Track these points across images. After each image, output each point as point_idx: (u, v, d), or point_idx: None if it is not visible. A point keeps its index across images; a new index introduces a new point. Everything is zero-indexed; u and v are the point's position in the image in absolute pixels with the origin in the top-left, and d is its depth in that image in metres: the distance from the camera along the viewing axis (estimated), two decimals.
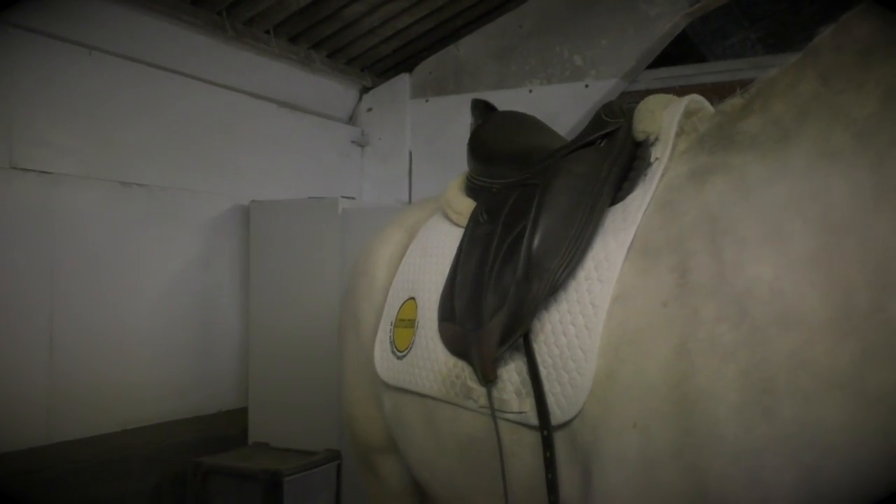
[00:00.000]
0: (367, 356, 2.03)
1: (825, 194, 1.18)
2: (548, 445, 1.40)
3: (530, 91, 4.12)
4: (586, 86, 3.99)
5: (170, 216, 3.37)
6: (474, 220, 1.77)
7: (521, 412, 1.47)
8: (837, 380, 1.11)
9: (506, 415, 1.50)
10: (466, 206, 1.87)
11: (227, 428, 3.63)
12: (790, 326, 1.15)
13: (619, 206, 1.48)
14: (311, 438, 3.51)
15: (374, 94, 4.50)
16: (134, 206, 3.22)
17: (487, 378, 1.53)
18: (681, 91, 3.96)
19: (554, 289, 1.45)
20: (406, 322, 1.84)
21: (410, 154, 4.42)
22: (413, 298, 1.84)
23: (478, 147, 1.98)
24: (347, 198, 3.65)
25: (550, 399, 1.41)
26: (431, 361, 1.70)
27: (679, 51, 4.64)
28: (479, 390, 1.56)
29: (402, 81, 4.44)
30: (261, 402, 3.68)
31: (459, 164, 4.18)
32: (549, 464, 1.40)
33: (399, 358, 1.81)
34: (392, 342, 1.86)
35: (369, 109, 4.50)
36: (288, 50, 3.86)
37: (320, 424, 3.54)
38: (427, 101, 4.38)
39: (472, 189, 1.91)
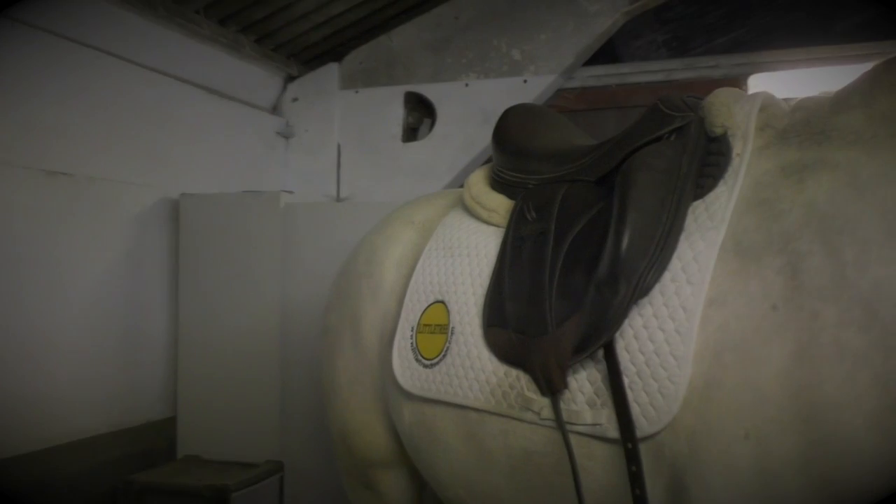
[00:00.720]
0: (369, 363, 1.88)
1: None
2: (633, 459, 1.31)
3: (466, 85, 4.02)
4: (525, 81, 3.94)
5: (95, 209, 3.06)
6: (518, 217, 1.66)
7: (595, 424, 1.38)
8: None
9: (576, 427, 1.40)
10: (499, 202, 1.76)
11: (155, 441, 3.34)
12: None
13: (700, 203, 1.41)
14: (248, 449, 3.29)
15: (301, 84, 4.28)
16: (58, 198, 2.89)
17: (556, 388, 1.43)
18: (617, 90, 3.99)
19: (643, 291, 1.35)
20: (434, 328, 1.71)
21: (339, 147, 4.24)
22: (442, 302, 1.71)
23: (505, 141, 1.86)
24: (288, 192, 3.44)
25: (636, 409, 1.32)
26: (476, 371, 1.58)
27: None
28: (541, 401, 1.46)
29: (331, 71, 4.24)
30: (191, 411, 3.41)
31: (393, 158, 4.07)
32: (636, 478, 1.31)
33: (427, 366, 1.68)
34: (416, 349, 1.72)
35: (295, 99, 4.27)
36: (217, 32, 3.60)
37: (257, 434, 3.31)
38: (357, 92, 4.20)
39: (502, 184, 1.81)
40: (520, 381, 1.51)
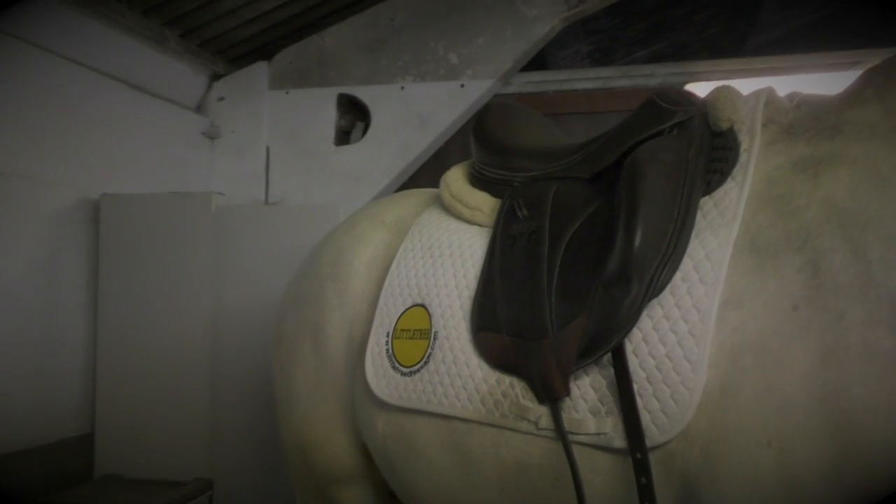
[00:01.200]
0: (333, 372, 1.76)
1: None
2: (643, 470, 1.23)
3: (402, 88, 3.92)
4: (462, 85, 3.87)
5: (7, 209, 2.81)
6: (508, 215, 1.58)
7: (599, 433, 1.30)
8: None
9: (578, 437, 1.31)
10: (483, 200, 1.68)
11: (70, 459, 3.09)
12: None
13: (709, 199, 1.36)
14: (175, 467, 3.07)
15: (227, 83, 4.09)
16: None
17: (557, 395, 1.34)
18: (554, 96, 3.97)
19: (657, 291, 1.28)
20: (413, 333, 1.60)
21: (268, 149, 4.06)
22: (422, 306, 1.61)
23: (486, 138, 1.78)
24: (219, 193, 3.25)
25: (645, 417, 1.24)
26: (464, 378, 1.48)
27: None
28: (539, 410, 1.37)
29: (260, 70, 4.07)
30: (110, 426, 3.17)
31: (324, 161, 3.92)
32: (646, 490, 1.23)
33: (406, 374, 1.58)
34: (392, 356, 1.61)
35: (221, 99, 4.08)
36: (141, 24, 3.39)
37: (185, 450, 3.10)
38: (288, 92, 4.04)
39: (484, 182, 1.72)
40: (514, 388, 1.42)
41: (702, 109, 1.45)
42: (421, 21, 3.92)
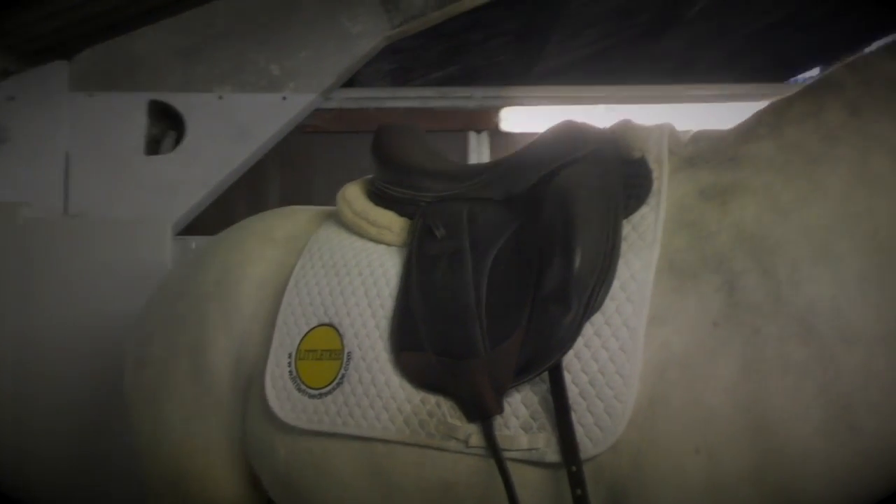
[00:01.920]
0: (217, 398, 1.69)
1: (869, 215, 1.28)
2: (578, 482, 1.29)
3: (220, 97, 3.77)
4: (284, 98, 3.80)
5: None
6: (423, 235, 1.60)
7: (531, 449, 1.35)
8: None
9: (510, 453, 1.35)
10: (390, 219, 1.69)
11: None
12: (853, 342, 1.22)
13: (626, 223, 1.46)
14: None
15: (19, 81, 3.70)
16: None
17: (490, 413, 1.37)
18: (376, 113, 4.00)
19: (594, 309, 1.35)
20: (321, 353, 1.58)
21: (67, 156, 3.72)
22: (330, 325, 1.59)
23: (387, 156, 1.80)
24: (26, 203, 2.95)
25: (579, 431, 1.30)
26: (384, 399, 1.48)
27: None
28: (468, 428, 1.39)
29: (59, 70, 3.73)
30: None
31: (133, 171, 3.69)
32: (581, 501, 1.29)
33: (315, 396, 1.55)
34: (297, 377, 1.57)
35: (11, 98, 3.69)
36: None
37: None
38: (91, 95, 3.74)
39: (388, 200, 1.72)
40: (440, 407, 1.43)
41: (609, 139, 1.56)
42: (241, 30, 3.80)
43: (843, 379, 1.20)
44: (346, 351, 1.55)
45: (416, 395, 1.45)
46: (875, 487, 1.20)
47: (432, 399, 1.44)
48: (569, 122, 1.63)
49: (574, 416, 1.31)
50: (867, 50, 1.47)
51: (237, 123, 3.76)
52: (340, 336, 1.56)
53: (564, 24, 5.98)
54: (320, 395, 1.54)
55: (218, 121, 3.76)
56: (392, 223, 1.69)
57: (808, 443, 1.19)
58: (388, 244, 1.68)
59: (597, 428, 1.30)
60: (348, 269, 1.65)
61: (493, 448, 1.35)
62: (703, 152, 1.52)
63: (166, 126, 3.86)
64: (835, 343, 1.22)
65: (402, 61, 5.90)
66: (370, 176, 1.93)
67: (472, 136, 3.94)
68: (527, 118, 3.97)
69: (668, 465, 1.25)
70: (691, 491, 1.24)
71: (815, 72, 10.57)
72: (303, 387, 1.56)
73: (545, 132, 1.66)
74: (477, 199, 1.63)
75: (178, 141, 3.80)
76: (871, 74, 1.38)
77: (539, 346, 1.35)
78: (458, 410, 1.41)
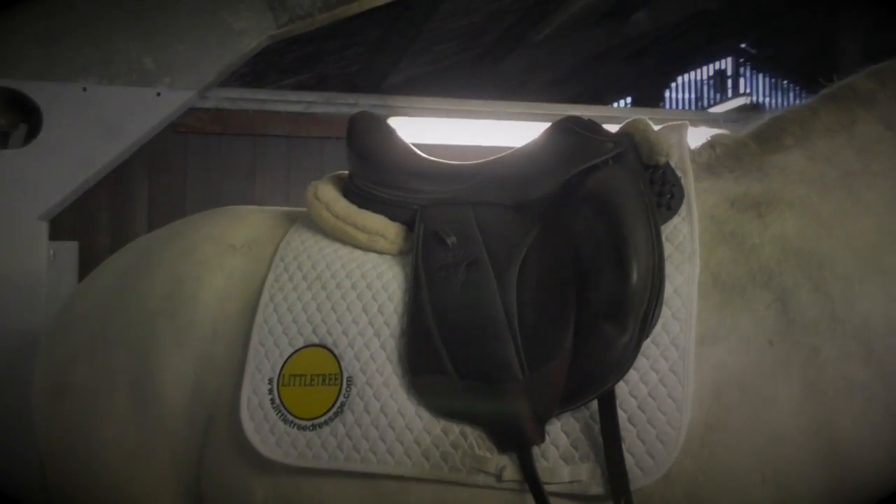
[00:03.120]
0: (169, 430, 1.46)
1: None
2: None
3: (84, 89, 3.40)
4: (158, 94, 3.49)
5: None
6: (430, 243, 1.44)
7: (574, 482, 1.24)
8: None
9: (550, 486, 1.24)
10: (383, 224, 1.52)
11: None
12: None
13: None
14: None
15: None
16: None
17: (527, 443, 1.24)
18: (255, 116, 3.78)
19: (650, 330, 1.25)
20: (312, 379, 1.39)
21: None
22: (322, 346, 1.40)
23: (369, 152, 1.62)
24: None
25: (629, 460, 1.21)
26: (398, 429, 1.32)
27: None
28: (500, 460, 1.27)
29: None
30: None
31: None
32: None
33: (307, 428, 1.37)
34: (282, 406, 1.38)
35: None
36: None
37: None
38: None
39: (375, 203, 1.55)
40: (466, 437, 1.29)
41: (627, 142, 1.47)
42: (109, 16, 3.45)
43: None
44: (345, 375, 1.37)
45: (437, 425, 1.30)
46: None
47: (456, 428, 1.29)
48: (573, 121, 1.52)
49: (625, 445, 1.21)
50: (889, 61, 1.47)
51: (103, 118, 3.41)
52: (337, 358, 1.38)
53: (422, 38, 5.98)
54: (313, 427, 1.35)
55: (81, 114, 3.39)
56: (386, 229, 1.51)
57: (882, 467, 1.16)
58: (381, 252, 1.50)
59: (648, 456, 1.20)
60: (338, 282, 1.46)
61: (532, 481, 1.23)
62: (724, 160, 1.47)
63: (16, 117, 3.43)
64: (894, 361, 1.20)
65: (255, 65, 5.62)
66: (340, 173, 1.73)
67: None
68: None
69: (731, 495, 1.19)
70: None
71: (627, 100, 11.33)
72: (290, 417, 1.37)
73: (547, 132, 1.55)
74: (482, 204, 1.49)
75: (31, 134, 3.38)
76: None
77: (591, 370, 1.24)
78: (488, 441, 1.28)
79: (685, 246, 1.33)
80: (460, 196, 1.52)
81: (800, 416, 1.18)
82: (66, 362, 1.55)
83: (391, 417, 1.32)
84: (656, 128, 1.50)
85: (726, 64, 16.09)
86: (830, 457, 1.16)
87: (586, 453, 1.24)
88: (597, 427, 1.24)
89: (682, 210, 1.38)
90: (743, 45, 15.04)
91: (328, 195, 1.59)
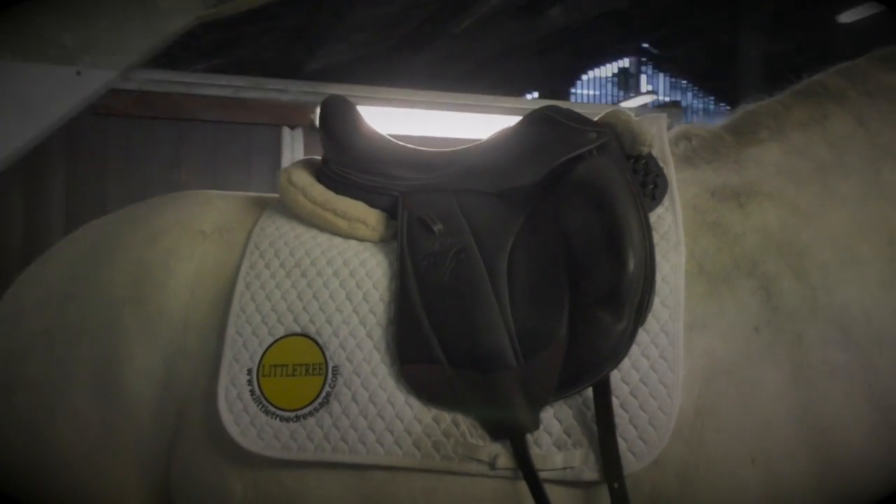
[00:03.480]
0: (135, 424, 1.41)
1: (884, 224, 1.32)
2: (621, 500, 1.21)
3: None
4: (78, 72, 3.28)
5: None
6: (415, 230, 1.42)
7: (566, 468, 1.25)
8: None
9: (543, 473, 1.24)
10: (363, 211, 1.48)
11: None
12: (883, 346, 1.24)
13: None
14: None
15: None
16: None
17: (522, 430, 1.24)
18: (182, 99, 3.62)
19: (644, 317, 1.27)
20: (294, 368, 1.35)
21: None
22: (304, 335, 1.37)
23: (343, 136, 1.58)
24: None
25: (622, 445, 1.23)
26: (387, 418, 1.30)
27: None
28: (492, 448, 1.26)
29: None
30: None
31: None
32: None
33: (290, 419, 1.33)
34: (262, 397, 1.34)
35: None
36: None
37: None
38: None
39: (353, 188, 1.52)
40: (458, 426, 1.28)
41: (609, 132, 1.46)
42: None
43: (882, 382, 1.22)
44: (330, 365, 1.33)
45: (427, 414, 1.29)
46: None
47: (447, 417, 1.28)
48: (553, 109, 1.51)
49: (618, 431, 1.23)
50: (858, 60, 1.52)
51: (17, 97, 3.19)
52: (321, 348, 1.35)
53: (341, 26, 5.89)
54: (297, 418, 1.32)
55: None
56: (367, 216, 1.48)
57: (864, 448, 1.20)
58: (362, 240, 1.47)
59: (641, 441, 1.22)
60: (319, 270, 1.42)
61: (527, 468, 1.23)
62: (701, 152, 1.48)
63: None
64: (870, 347, 1.24)
65: (169, 49, 5.39)
66: (311, 158, 1.70)
67: (286, 131, 3.74)
68: None
69: (723, 478, 1.21)
70: (749, 502, 1.21)
71: (533, 95, 11.49)
72: (271, 408, 1.32)
73: (527, 121, 1.53)
74: (464, 192, 1.47)
75: None
76: (873, 87, 1.44)
77: (587, 358, 1.25)
78: (481, 429, 1.27)
79: (670, 235, 1.34)
80: (441, 183, 1.50)
81: (786, 401, 1.21)
82: (17, 355, 1.45)
83: (380, 407, 1.30)
84: (641, 118, 1.52)
85: (629, 62, 16.67)
86: (816, 439, 1.19)
87: (579, 439, 1.25)
88: (589, 413, 1.25)
89: (666, 200, 1.40)
90: (645, 45, 15.59)
91: (303, 180, 1.54)
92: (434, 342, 1.32)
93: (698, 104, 15.61)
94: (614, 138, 1.46)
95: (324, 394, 1.32)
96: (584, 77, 13.95)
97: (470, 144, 1.61)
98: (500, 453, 1.25)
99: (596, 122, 1.50)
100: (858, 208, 1.34)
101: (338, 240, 1.47)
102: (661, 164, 1.44)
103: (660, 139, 1.47)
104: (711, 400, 1.23)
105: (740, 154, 1.46)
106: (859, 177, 1.37)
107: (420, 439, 1.28)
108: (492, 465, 1.25)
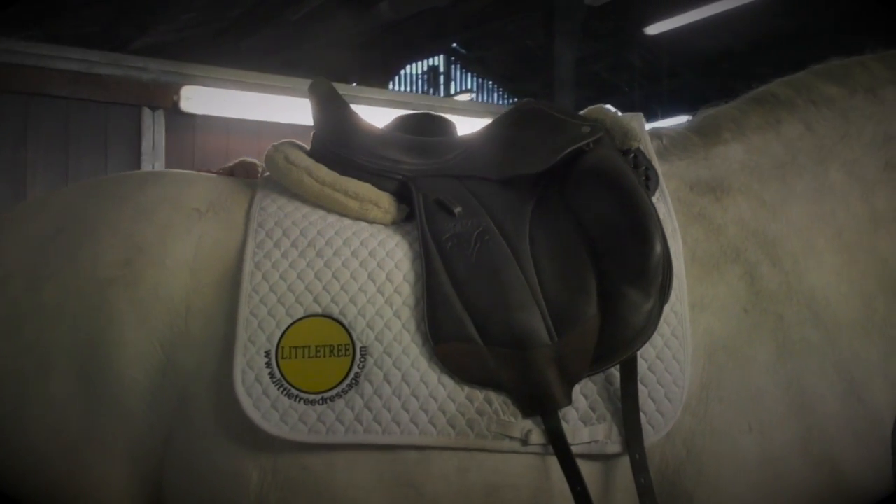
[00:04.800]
0: (125, 414, 1.31)
1: (833, 218, 1.48)
2: (641, 470, 1.25)
3: None
4: None
5: None
6: (434, 212, 1.42)
7: (592, 442, 1.29)
8: (876, 370, 1.40)
9: (573, 448, 1.28)
10: (376, 193, 1.45)
11: None
12: (841, 328, 1.40)
13: None
14: None
15: None
16: None
17: (555, 406, 1.28)
18: (31, 72, 3.34)
19: (667, 297, 1.34)
20: (318, 350, 1.32)
21: None
22: (327, 316, 1.33)
23: (341, 118, 1.55)
24: None
25: (642, 418, 1.28)
26: (421, 398, 1.29)
27: None
28: (524, 424, 1.28)
29: None
30: None
31: None
32: (646, 489, 1.25)
33: (316, 402, 1.29)
34: (283, 380, 1.30)
35: None
36: None
37: None
38: None
39: (359, 171, 1.48)
40: (491, 403, 1.29)
41: (601, 126, 1.52)
42: None
43: (845, 358, 1.37)
44: (357, 345, 1.31)
45: (460, 392, 1.29)
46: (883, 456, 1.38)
47: (480, 395, 1.29)
48: (541, 103, 1.56)
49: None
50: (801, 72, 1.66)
51: None
52: (346, 328, 1.32)
53: (172, 3, 5.63)
54: (323, 400, 1.28)
55: None
56: (378, 198, 1.44)
57: (839, 415, 1.32)
58: (372, 222, 1.43)
59: (658, 414, 1.28)
60: (335, 250, 1.39)
61: (560, 443, 1.26)
62: (672, 149, 1.58)
63: None
64: (832, 328, 1.37)
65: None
66: (292, 140, 1.61)
67: (147, 112, 3.55)
68: (209, 100, 3.70)
69: (725, 444, 1.30)
70: (747, 466, 1.30)
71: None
72: (293, 391, 1.28)
73: (517, 113, 1.57)
74: (468, 178, 1.48)
75: None
76: (816, 96, 1.58)
77: (620, 335, 1.29)
78: (513, 406, 1.29)
79: (667, 223, 1.41)
80: (443, 169, 1.50)
81: (774, 374, 1.33)
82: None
83: (414, 386, 1.29)
84: (624, 115, 1.58)
85: (439, 61, 17.04)
86: (800, 408, 1.32)
87: (603, 414, 1.29)
88: (611, 388, 1.31)
89: (658, 191, 1.48)
90: (454, 45, 16.01)
91: (304, 160, 1.48)
92: (468, 321, 1.32)
93: (503, 104, 16.32)
94: (605, 133, 1.52)
95: (352, 375, 1.29)
96: (401, 73, 14.11)
97: (463, 135, 1.63)
98: (532, 429, 1.27)
99: (585, 117, 1.56)
100: (812, 204, 1.47)
101: (348, 221, 1.43)
102: (649, 157, 1.51)
103: (644, 135, 1.54)
104: (713, 374, 1.31)
105: (708, 152, 1.55)
106: (811, 175, 1.50)
107: (454, 418, 1.28)
108: (524, 442, 1.27)
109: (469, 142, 1.55)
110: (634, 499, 1.27)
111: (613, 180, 1.42)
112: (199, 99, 3.66)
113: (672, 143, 1.58)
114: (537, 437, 1.27)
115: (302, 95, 3.81)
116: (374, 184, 1.46)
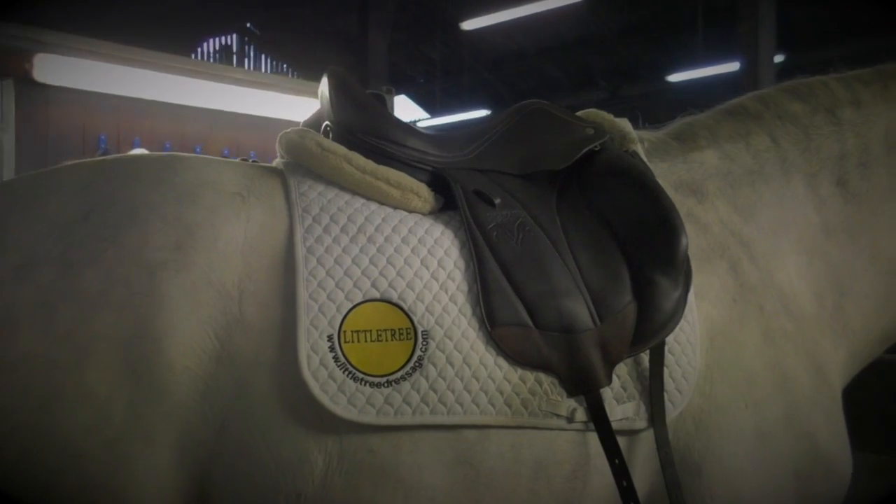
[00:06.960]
0: (174, 405, 1.29)
1: (794, 225, 1.67)
2: (664, 444, 1.39)
3: None
4: None
5: None
6: (475, 202, 1.48)
7: (623, 419, 1.41)
8: (830, 358, 1.61)
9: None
10: (415, 183, 1.50)
11: None
12: (805, 322, 1.61)
13: None
14: None
15: None
16: None
17: (598, 386, 1.41)
18: None
19: (690, 284, 1.48)
20: (379, 334, 1.35)
21: None
22: (386, 301, 1.37)
23: (370, 110, 1.57)
24: None
25: (665, 396, 1.42)
26: (481, 380, 1.36)
27: None
28: (569, 403, 1.39)
29: None
30: None
31: None
32: (669, 462, 1.39)
33: (382, 384, 1.33)
34: (348, 364, 1.33)
35: None
36: None
37: None
38: None
39: (392, 160, 1.52)
40: (541, 384, 1.38)
41: (602, 128, 1.64)
42: None
43: (811, 349, 1.54)
44: (419, 330, 1.35)
45: (514, 374, 1.37)
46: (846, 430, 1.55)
47: (531, 376, 1.38)
48: (543, 103, 1.64)
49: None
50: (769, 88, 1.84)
51: None
52: (407, 313, 1.36)
53: None
54: (389, 383, 1.32)
55: None
56: (419, 187, 1.48)
57: (812, 394, 1.50)
58: (412, 211, 1.47)
59: (677, 392, 1.41)
60: (386, 237, 1.42)
61: (601, 421, 1.37)
62: (653, 153, 1.69)
63: None
64: (800, 318, 1.55)
65: None
66: (305, 126, 1.62)
67: None
68: (65, 70, 3.45)
69: (727, 421, 1.44)
70: (745, 440, 1.45)
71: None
72: (359, 374, 1.31)
73: (523, 111, 1.64)
74: (490, 171, 1.55)
75: None
76: (782, 111, 1.72)
77: (654, 320, 1.42)
78: (559, 386, 1.39)
79: None
80: (466, 162, 1.56)
81: (761, 358, 1.51)
82: (11, 332, 1.23)
83: (474, 368, 1.36)
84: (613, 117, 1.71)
85: (232, 40, 16.41)
86: (783, 388, 1.50)
87: (632, 393, 1.42)
88: (639, 369, 1.44)
89: None
90: (249, 25, 15.50)
91: (339, 148, 1.49)
92: (520, 307, 1.40)
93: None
94: (609, 136, 1.64)
95: (415, 358, 1.34)
96: (198, 49, 13.49)
97: (467, 130, 1.68)
98: (577, 408, 1.38)
99: (585, 119, 1.67)
100: (778, 209, 1.64)
101: (389, 209, 1.46)
102: (645, 159, 1.63)
103: (637, 138, 1.66)
104: (716, 356, 1.46)
105: (686, 157, 1.69)
106: (777, 184, 1.66)
107: (511, 398, 1.36)
108: (569, 419, 1.37)
109: (482, 138, 1.62)
110: (651, 470, 1.42)
111: (636, 178, 1.56)
112: (53, 68, 3.39)
113: (654, 147, 1.73)
114: (581, 414, 1.39)
115: (166, 71, 3.66)
116: (408, 174, 1.50)
